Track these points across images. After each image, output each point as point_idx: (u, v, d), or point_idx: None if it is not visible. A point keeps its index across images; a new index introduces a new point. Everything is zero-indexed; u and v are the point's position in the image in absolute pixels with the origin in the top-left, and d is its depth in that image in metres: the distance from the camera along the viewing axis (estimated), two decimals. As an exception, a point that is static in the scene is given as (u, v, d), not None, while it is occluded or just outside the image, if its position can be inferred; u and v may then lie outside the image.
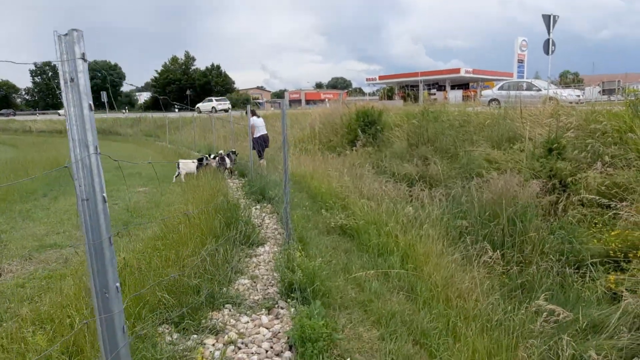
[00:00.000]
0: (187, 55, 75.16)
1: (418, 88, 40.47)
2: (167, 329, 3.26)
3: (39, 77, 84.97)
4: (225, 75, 72.75)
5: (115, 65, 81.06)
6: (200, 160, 11.52)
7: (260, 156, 11.41)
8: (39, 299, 3.95)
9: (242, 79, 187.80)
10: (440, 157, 9.50)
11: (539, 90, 14.88)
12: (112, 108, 71.50)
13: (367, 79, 54.68)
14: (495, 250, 4.81)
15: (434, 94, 39.16)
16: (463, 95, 37.20)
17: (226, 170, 11.56)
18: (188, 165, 10.96)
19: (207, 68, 72.41)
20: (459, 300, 3.83)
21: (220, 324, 3.30)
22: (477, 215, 5.55)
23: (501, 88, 16.75)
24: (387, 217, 5.72)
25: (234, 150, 12.26)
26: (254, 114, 11.55)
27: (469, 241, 5.13)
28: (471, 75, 44.11)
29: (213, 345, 3.04)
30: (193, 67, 75.00)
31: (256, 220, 6.53)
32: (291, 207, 7.35)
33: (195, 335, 3.14)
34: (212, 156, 12.46)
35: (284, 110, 4.98)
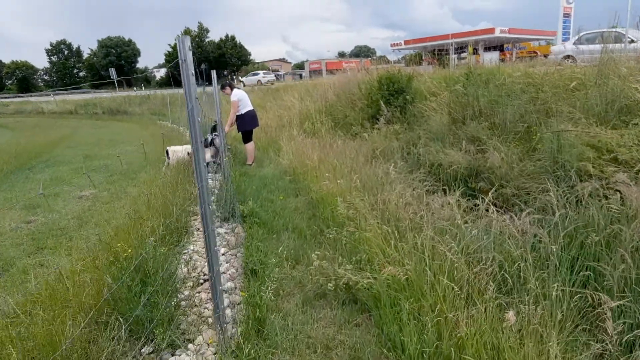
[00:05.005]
0: (201, 27, 71.70)
1: (448, 52, 36.46)
2: None
3: (56, 56, 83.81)
4: (241, 47, 69.42)
5: (130, 40, 78.67)
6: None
7: (249, 139, 8.58)
8: None
9: (264, 51, 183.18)
10: (502, 138, 6.55)
11: (634, 41, 11.09)
12: (129, 85, 69.87)
13: (391, 45, 50.59)
14: None
15: (465, 58, 35.10)
16: (500, 57, 33.31)
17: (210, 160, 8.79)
18: (177, 153, 8.26)
19: (221, 40, 69.09)
20: None
21: None
22: (624, 276, 2.65)
23: (578, 41, 13.16)
24: (436, 271, 2.92)
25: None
26: (231, 87, 8.63)
27: (614, 339, 2.31)
28: (507, 35, 39.59)
29: None
30: (207, 40, 71.78)
31: (200, 267, 3.79)
32: (273, 228, 4.64)
33: None
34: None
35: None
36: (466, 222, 3.65)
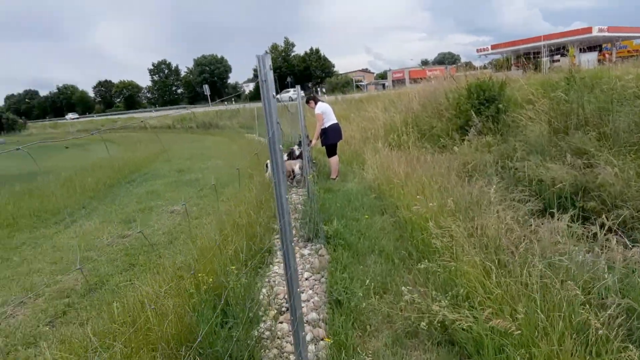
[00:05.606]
0: (287, 42, 74.29)
1: (539, 55, 33.96)
2: None
3: (157, 75, 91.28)
4: (325, 59, 70.61)
5: (222, 58, 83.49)
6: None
7: (333, 153, 8.46)
8: None
9: (346, 63, 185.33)
10: (615, 151, 5.77)
11: None
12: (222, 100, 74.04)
13: (477, 50, 48.50)
14: None
15: (558, 60, 32.35)
16: (598, 58, 30.39)
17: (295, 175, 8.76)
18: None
19: (305, 53, 70.85)
20: None
21: None
22: None
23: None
24: (549, 313, 2.50)
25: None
26: (315, 100, 8.56)
27: None
28: (606, 34, 35.89)
29: None
30: (293, 54, 73.97)
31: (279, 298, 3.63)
32: (358, 250, 4.40)
33: None
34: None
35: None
36: (582, 252, 3.14)
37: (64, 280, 4.49)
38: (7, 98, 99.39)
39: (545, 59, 30.44)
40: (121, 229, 6.46)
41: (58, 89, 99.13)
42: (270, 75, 1.92)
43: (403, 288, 3.04)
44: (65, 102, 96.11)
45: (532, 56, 35.04)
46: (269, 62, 1.90)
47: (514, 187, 5.80)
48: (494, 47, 46.52)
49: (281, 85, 65.89)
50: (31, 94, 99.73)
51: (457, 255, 3.21)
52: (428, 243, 3.85)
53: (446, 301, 2.86)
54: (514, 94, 9.80)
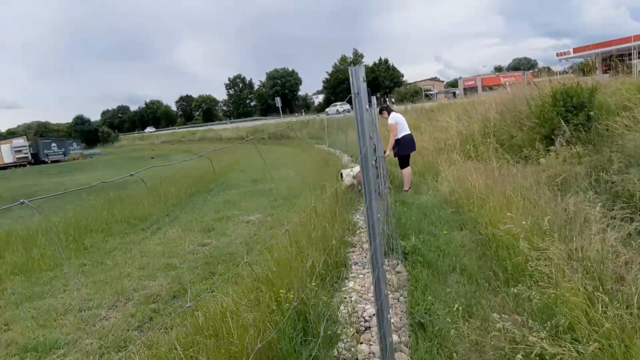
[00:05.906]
0: (356, 53, 74.48)
1: (629, 57, 31.08)
2: None
3: (232, 89, 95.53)
4: (394, 69, 69.90)
5: (293, 71, 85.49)
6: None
7: (406, 164, 8.22)
8: None
9: (415, 72, 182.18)
10: None
11: None
12: (291, 111, 75.99)
13: (557, 54, 45.63)
14: None
15: (649, 62, 29.26)
16: None
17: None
18: (349, 177, 8.40)
19: (374, 63, 70.51)
20: None
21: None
22: None
23: None
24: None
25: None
26: (388, 111, 8.40)
27: None
28: None
29: None
30: (362, 65, 73.92)
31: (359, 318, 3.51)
32: (438, 269, 4.19)
33: None
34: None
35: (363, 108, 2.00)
36: None
37: (151, 286, 4.71)
38: (103, 113, 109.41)
39: (636, 61, 27.76)
40: (201, 237, 6.72)
41: (146, 104, 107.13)
42: (364, 88, 1.84)
43: (494, 315, 2.81)
44: (151, 116, 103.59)
45: (626, 57, 32.23)
46: (362, 74, 1.83)
47: (612, 204, 5.28)
48: (576, 50, 43.65)
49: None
50: (123, 109, 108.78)
51: (556, 280, 2.92)
52: (517, 264, 3.57)
53: (545, 332, 2.60)
54: (606, 100, 9.03)
